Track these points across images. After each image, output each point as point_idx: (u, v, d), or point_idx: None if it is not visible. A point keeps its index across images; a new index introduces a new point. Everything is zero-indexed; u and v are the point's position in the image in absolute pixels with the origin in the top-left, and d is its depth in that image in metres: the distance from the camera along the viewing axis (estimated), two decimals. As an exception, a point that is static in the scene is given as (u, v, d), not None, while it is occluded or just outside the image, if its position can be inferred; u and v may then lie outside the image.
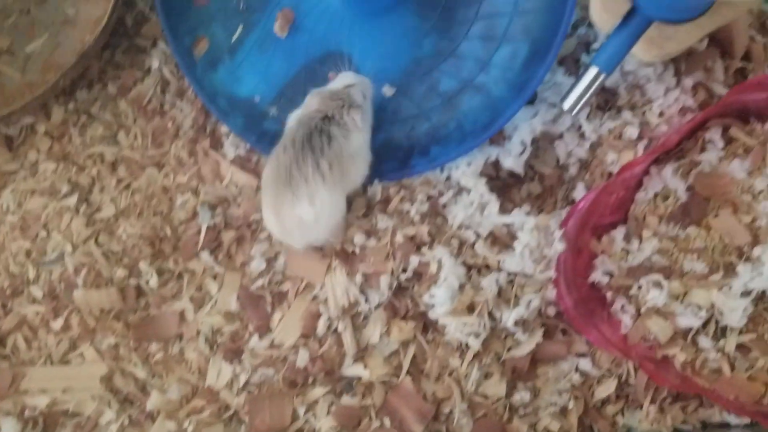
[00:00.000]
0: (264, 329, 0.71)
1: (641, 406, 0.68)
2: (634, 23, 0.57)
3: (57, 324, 0.73)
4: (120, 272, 0.72)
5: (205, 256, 0.73)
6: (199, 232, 0.73)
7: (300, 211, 0.64)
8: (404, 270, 0.68)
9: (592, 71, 0.60)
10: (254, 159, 0.76)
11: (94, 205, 0.76)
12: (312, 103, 0.66)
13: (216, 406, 0.70)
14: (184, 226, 0.74)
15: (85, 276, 0.73)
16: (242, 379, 0.70)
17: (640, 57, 0.61)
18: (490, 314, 0.67)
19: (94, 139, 0.78)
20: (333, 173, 0.64)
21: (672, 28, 0.59)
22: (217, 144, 0.76)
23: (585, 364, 0.69)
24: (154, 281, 0.73)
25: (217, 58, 0.74)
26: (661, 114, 0.70)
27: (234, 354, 0.71)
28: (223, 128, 0.76)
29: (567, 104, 0.62)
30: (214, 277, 0.73)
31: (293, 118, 0.67)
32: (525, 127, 0.70)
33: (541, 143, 0.73)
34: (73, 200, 0.75)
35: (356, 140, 0.66)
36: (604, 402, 0.70)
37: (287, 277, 0.72)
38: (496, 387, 0.68)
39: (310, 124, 0.64)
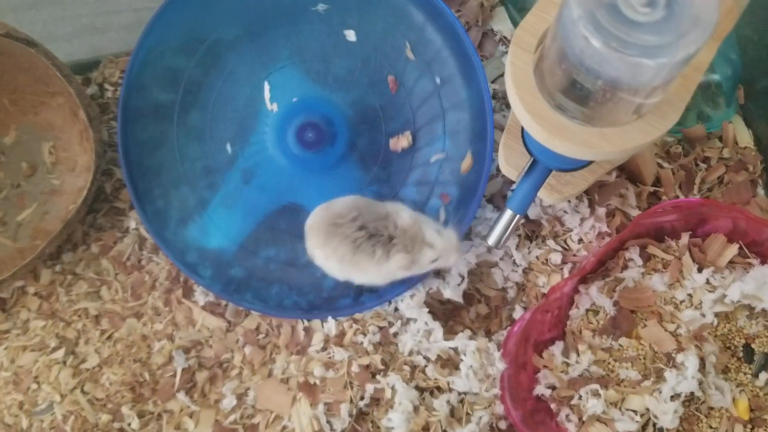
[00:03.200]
0: (239, 463, 0.77)
1: None
2: (535, 173, 0.67)
3: (49, 473, 0.78)
4: (104, 417, 0.78)
5: (181, 396, 0.79)
6: (175, 374, 0.80)
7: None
8: (362, 397, 0.74)
9: (508, 213, 0.69)
10: (223, 303, 0.83)
11: (80, 357, 0.83)
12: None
13: None
14: (162, 370, 0.81)
15: (73, 423, 0.78)
16: None
17: (545, 199, 0.70)
18: (445, 433, 0.73)
19: (80, 295, 0.86)
20: None
21: (568, 175, 0.69)
22: (189, 293, 0.84)
23: (540, 473, 0.74)
24: (135, 424, 0.78)
25: (187, 216, 0.83)
26: (580, 240, 0.79)
27: (213, 493, 0.76)
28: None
29: (491, 240, 0.70)
30: (191, 416, 0.79)
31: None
32: (461, 260, 0.78)
33: (483, 269, 0.81)
34: (60, 353, 0.82)
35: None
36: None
37: (258, 410, 0.78)
38: (455, 503, 0.72)
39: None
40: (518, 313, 0.79)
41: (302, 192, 0.82)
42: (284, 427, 0.76)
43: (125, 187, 0.91)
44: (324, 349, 0.78)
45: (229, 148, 0.84)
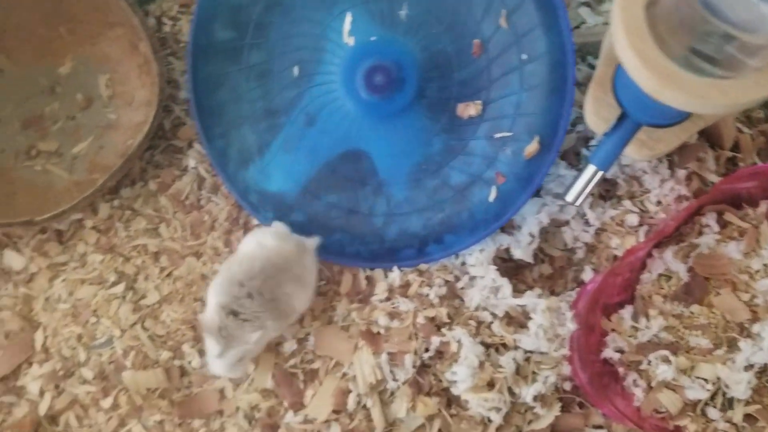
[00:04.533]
0: (298, 405, 0.77)
1: (654, 479, 0.72)
2: (624, 127, 0.64)
3: (106, 402, 0.79)
4: (165, 354, 0.78)
5: (242, 337, 0.79)
6: (235, 316, 0.79)
7: None
8: (426, 350, 0.74)
9: (591, 169, 0.66)
10: (284, 247, 0.82)
11: (139, 293, 0.82)
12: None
13: (254, 483, 0.75)
14: (222, 311, 0.80)
15: (133, 358, 0.79)
16: (279, 454, 0.75)
17: (633, 156, 0.67)
18: (510, 390, 0.72)
19: (138, 232, 0.85)
20: None
21: (661, 131, 0.66)
22: (250, 234, 0.83)
23: (601, 436, 0.74)
24: (196, 362, 0.78)
25: (248, 158, 0.82)
26: (658, 202, 0.76)
27: (271, 429, 0.76)
28: (255, 221, 0.83)
29: (570, 197, 0.68)
30: (252, 357, 0.78)
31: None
32: (533, 219, 0.76)
33: (550, 228, 0.79)
34: (120, 288, 0.82)
35: None
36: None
37: (317, 356, 0.78)
38: (519, 458, 0.72)
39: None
40: (587, 274, 0.77)
41: (366, 138, 0.79)
42: (344, 374, 0.76)
43: (184, 125, 0.89)
44: (388, 299, 0.76)
45: (292, 89, 0.81)
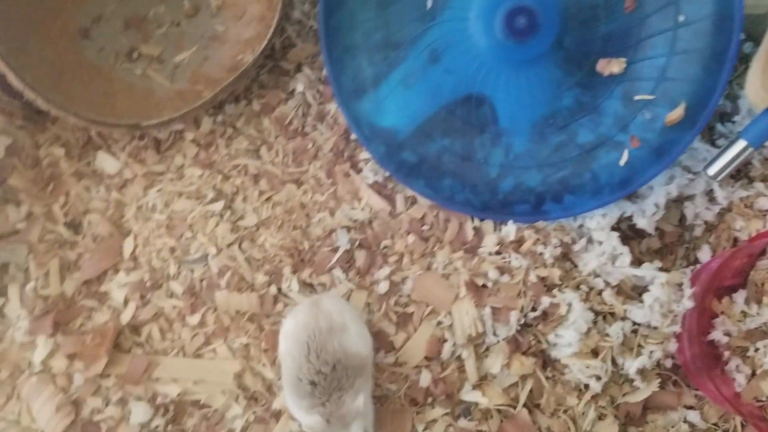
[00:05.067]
0: (388, 347, 0.75)
1: (743, 464, 0.71)
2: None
3: (193, 319, 0.78)
4: (261, 278, 0.77)
5: (338, 272, 0.77)
6: (333, 249, 0.78)
7: None
8: (533, 309, 0.72)
9: (741, 144, 0.63)
10: (389, 186, 0.80)
11: (237, 213, 0.80)
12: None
13: (337, 415, 0.74)
14: (320, 242, 0.78)
15: (228, 278, 0.77)
16: (364, 391, 0.74)
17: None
18: (614, 360, 0.71)
19: (239, 151, 0.82)
20: None
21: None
22: (356, 169, 0.80)
23: (693, 416, 0.73)
24: (295, 289, 0.76)
25: (361, 89, 0.78)
26: (793, 189, 0.73)
27: (358, 368, 0.75)
28: (362, 155, 0.81)
29: (712, 171, 0.65)
30: (344, 293, 0.77)
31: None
32: (661, 190, 0.73)
33: (668, 203, 0.76)
34: (218, 206, 0.80)
35: None
36: (705, 458, 0.73)
37: (413, 301, 0.76)
38: (609, 428, 0.71)
39: None
40: (704, 253, 0.74)
41: (493, 83, 0.76)
42: (439, 323, 0.75)
43: (294, 46, 0.86)
44: (498, 252, 0.74)
45: (419, 22, 0.77)
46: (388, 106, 0.78)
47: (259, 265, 0.78)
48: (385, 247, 0.78)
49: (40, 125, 0.85)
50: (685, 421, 0.73)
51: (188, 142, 0.83)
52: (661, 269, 0.73)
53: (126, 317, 0.79)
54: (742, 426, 0.72)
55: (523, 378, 0.73)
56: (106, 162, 0.84)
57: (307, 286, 0.78)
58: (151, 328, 0.79)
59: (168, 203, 0.81)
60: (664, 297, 0.70)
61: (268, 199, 0.81)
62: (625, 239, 0.78)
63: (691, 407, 0.74)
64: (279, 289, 0.77)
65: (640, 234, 0.77)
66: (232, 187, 0.81)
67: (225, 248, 0.78)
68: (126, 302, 0.80)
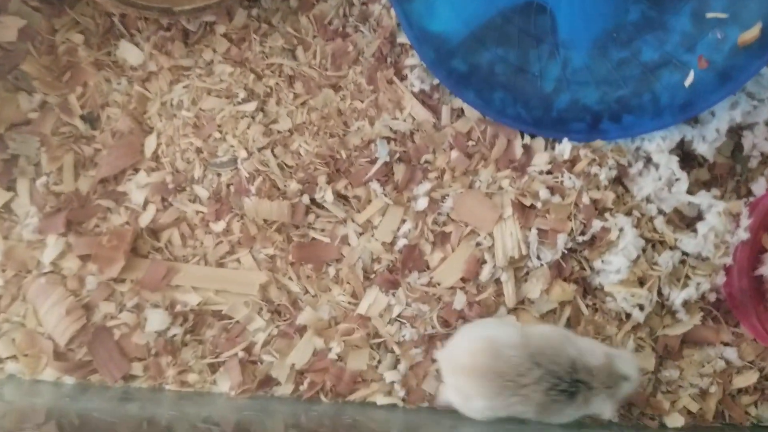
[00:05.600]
0: (422, 266, 0.72)
1: (778, 401, 0.70)
2: None
3: (218, 226, 0.74)
4: (293, 186, 0.72)
5: (375, 185, 0.73)
6: (371, 161, 0.73)
7: None
8: (583, 233, 0.69)
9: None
10: (435, 96, 0.75)
11: (270, 116, 0.75)
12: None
13: (365, 332, 0.71)
14: (357, 153, 0.74)
15: (259, 184, 0.72)
16: (396, 310, 0.71)
17: None
18: (659, 291, 0.68)
19: (274, 49, 0.76)
20: None
21: None
22: (399, 76, 0.75)
23: (730, 353, 0.71)
24: (329, 200, 0.72)
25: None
26: None
27: (390, 285, 0.72)
28: (407, 61, 0.75)
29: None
30: (380, 208, 0.73)
31: None
32: (724, 116, 0.69)
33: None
34: (250, 107, 0.75)
35: None
36: (741, 391, 0.72)
37: (452, 220, 0.73)
38: (647, 361, 0.69)
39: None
40: (759, 185, 0.71)
41: (554, -7, 0.70)
42: (479, 243, 0.71)
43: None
44: (550, 172, 0.71)
45: None
46: (440, 7, 0.72)
47: (292, 172, 0.73)
48: (426, 161, 0.74)
49: (57, 8, 0.78)
50: (722, 358, 0.71)
51: (219, 36, 0.77)
52: (716, 198, 0.70)
53: (145, 220, 0.75)
54: (780, 365, 0.70)
55: (562, 305, 0.70)
56: (129, 52, 0.78)
57: (341, 198, 0.74)
58: (171, 233, 0.75)
59: (195, 101, 0.76)
60: (720, 227, 0.67)
61: (304, 103, 0.76)
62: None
63: (728, 344, 0.72)
64: (312, 200, 0.73)
65: (690, 164, 0.73)
66: (265, 87, 0.76)
67: (256, 152, 0.74)
68: (146, 204, 0.75)
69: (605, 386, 0.60)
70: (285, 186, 0.73)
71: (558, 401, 0.59)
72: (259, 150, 0.74)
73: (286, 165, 0.74)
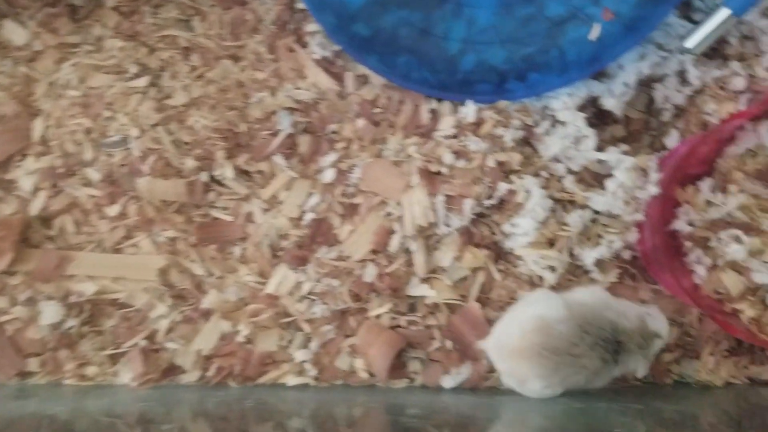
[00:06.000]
0: (331, 241, 0.69)
1: (698, 357, 0.69)
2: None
3: (112, 210, 0.70)
4: (190, 163, 0.69)
5: (278, 159, 0.70)
6: (273, 133, 0.70)
7: None
8: (489, 196, 0.66)
9: (723, 12, 0.58)
10: (338, 63, 0.72)
11: (164, 91, 0.71)
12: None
13: (274, 312, 0.68)
14: (259, 125, 0.70)
15: (153, 164, 0.69)
16: (305, 287, 0.68)
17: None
18: (570, 251, 0.67)
19: (168, 21, 0.73)
20: None
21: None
22: (301, 43, 0.72)
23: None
24: (229, 176, 0.69)
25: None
26: (770, 68, 0.69)
27: (299, 261, 0.69)
28: (308, 28, 0.72)
29: (691, 43, 0.60)
30: (285, 182, 0.70)
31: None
32: (631, 68, 0.68)
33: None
34: (141, 82, 0.71)
35: None
36: (662, 350, 0.70)
37: (360, 191, 0.70)
38: (564, 323, 0.67)
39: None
40: (672, 139, 0.70)
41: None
42: (388, 213, 0.69)
43: None
44: (455, 136, 0.68)
45: None
46: (337, -29, 0.70)
47: (188, 149, 0.70)
48: (332, 131, 0.71)
49: (-71, -14, 0.73)
50: (641, 315, 0.70)
51: (108, 10, 0.73)
52: (626, 154, 0.68)
53: (35, 208, 0.71)
54: (699, 320, 0.69)
55: (474, 271, 0.68)
56: (13, 32, 0.73)
57: (243, 174, 0.70)
58: (64, 220, 0.71)
59: (84, 79, 0.72)
60: (629, 182, 0.65)
61: (201, 76, 0.72)
62: (590, 126, 0.72)
63: (646, 302, 0.70)
64: (211, 177, 0.70)
65: (605, 121, 0.71)
66: (159, 61, 0.72)
67: (149, 129, 0.70)
68: (35, 191, 0.71)
69: (640, 346, 0.61)
70: (181, 164, 0.69)
71: (608, 363, 0.60)
72: (152, 127, 0.70)
73: (181, 142, 0.70)
